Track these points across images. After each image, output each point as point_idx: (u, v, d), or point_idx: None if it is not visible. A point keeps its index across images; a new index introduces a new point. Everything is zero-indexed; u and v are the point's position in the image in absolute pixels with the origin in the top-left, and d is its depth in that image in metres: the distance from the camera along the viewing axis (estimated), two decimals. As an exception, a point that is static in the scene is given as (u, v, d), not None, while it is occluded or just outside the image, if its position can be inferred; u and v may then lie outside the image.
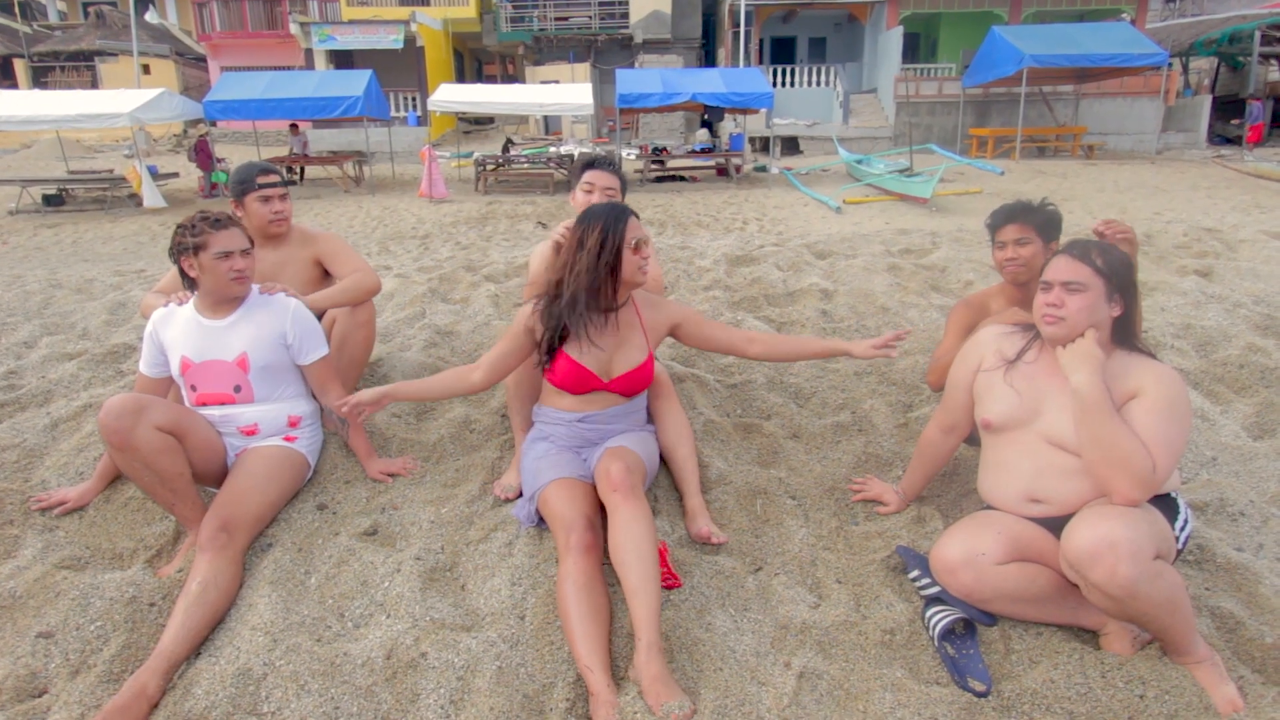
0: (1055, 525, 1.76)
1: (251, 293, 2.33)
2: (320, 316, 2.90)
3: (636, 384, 2.17)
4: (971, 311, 2.51)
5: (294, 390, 2.38)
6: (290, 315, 2.33)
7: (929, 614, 1.78)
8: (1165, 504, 1.75)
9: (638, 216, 2.11)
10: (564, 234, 2.29)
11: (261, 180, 2.72)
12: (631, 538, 1.75)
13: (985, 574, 1.71)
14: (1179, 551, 1.72)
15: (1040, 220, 2.31)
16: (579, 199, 2.66)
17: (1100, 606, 1.59)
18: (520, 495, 2.34)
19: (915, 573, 1.92)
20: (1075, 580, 1.59)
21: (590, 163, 2.72)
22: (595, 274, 2.03)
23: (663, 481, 2.39)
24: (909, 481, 2.26)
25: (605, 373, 2.14)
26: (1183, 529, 1.74)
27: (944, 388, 2.41)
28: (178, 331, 2.27)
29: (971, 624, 1.75)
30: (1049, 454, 1.80)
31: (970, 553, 1.73)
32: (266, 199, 2.72)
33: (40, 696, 1.63)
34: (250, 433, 2.26)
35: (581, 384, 2.12)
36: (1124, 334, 1.81)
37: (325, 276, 2.84)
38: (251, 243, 2.29)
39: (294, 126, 15.14)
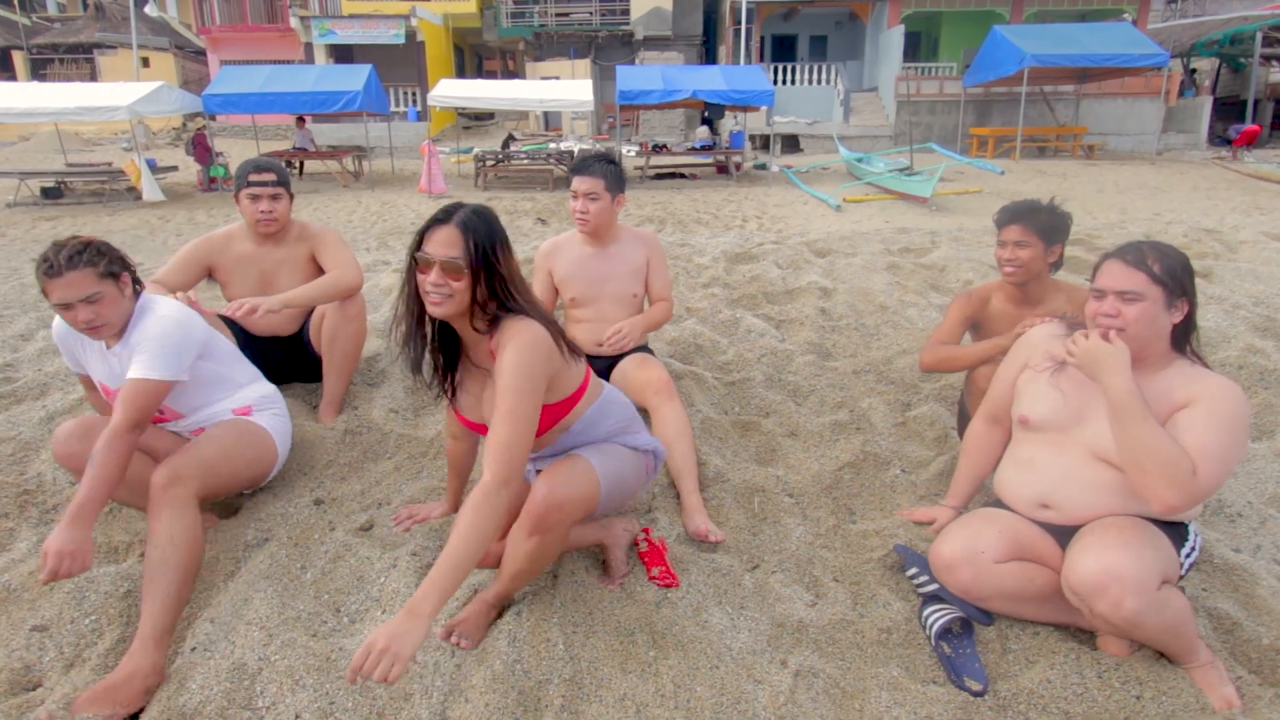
0: (1059, 531, 1.75)
1: (136, 312, 2.00)
2: (310, 312, 2.89)
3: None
4: (973, 304, 2.50)
5: (224, 391, 2.17)
6: (147, 332, 1.95)
7: (926, 613, 1.78)
8: (1175, 531, 1.69)
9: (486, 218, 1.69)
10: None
11: (252, 178, 2.67)
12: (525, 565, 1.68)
13: (984, 572, 1.70)
14: (1180, 576, 1.68)
15: (1043, 224, 2.29)
16: (569, 205, 2.66)
17: (1102, 630, 1.60)
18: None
19: (913, 571, 1.92)
20: (1077, 605, 1.57)
21: (574, 167, 2.68)
22: (409, 306, 1.67)
23: (660, 478, 2.39)
24: (957, 485, 2.14)
25: (485, 419, 1.75)
26: (1188, 556, 1.70)
27: (934, 368, 2.45)
28: (93, 358, 2.07)
29: (968, 623, 1.74)
30: (1084, 464, 1.72)
31: (970, 550, 1.72)
32: (255, 197, 2.67)
33: (35, 689, 1.63)
34: (200, 433, 2.13)
35: (476, 434, 1.86)
36: (1184, 340, 1.72)
37: (322, 271, 2.83)
38: (122, 274, 1.94)
39: (301, 120, 15.09)
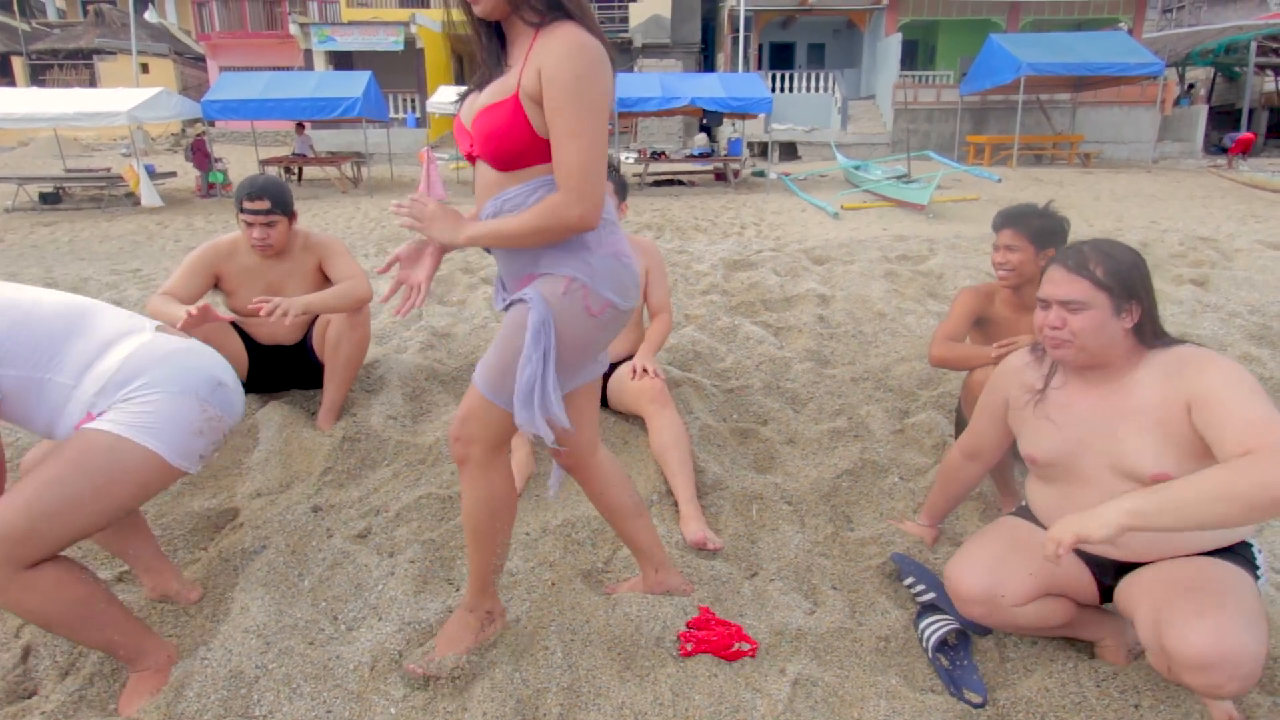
0: (1101, 564, 1.63)
1: None
2: (314, 320, 2.90)
3: (491, 134, 1.42)
4: (978, 299, 2.49)
5: (53, 397, 1.52)
6: None
7: (923, 624, 1.77)
8: (1241, 558, 1.53)
9: None
10: None
11: (246, 204, 2.65)
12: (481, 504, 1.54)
13: (1001, 613, 1.61)
14: None
15: (1034, 228, 2.30)
16: None
17: (1180, 684, 1.46)
18: (517, 499, 2.34)
19: (910, 579, 1.92)
20: (1162, 666, 1.42)
21: None
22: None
23: (659, 486, 2.39)
24: (931, 505, 2.13)
25: (468, 118, 1.51)
26: (1262, 581, 1.55)
27: (943, 362, 2.40)
28: None
29: (965, 634, 1.74)
30: (1119, 488, 1.54)
31: (990, 594, 1.60)
32: (249, 224, 2.67)
33: (30, 698, 1.62)
34: None
35: (460, 143, 1.58)
36: (1147, 335, 1.58)
37: (329, 283, 2.83)
38: None
39: (300, 126, 15.12)
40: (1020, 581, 1.60)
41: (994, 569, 1.62)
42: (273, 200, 2.66)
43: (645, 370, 2.59)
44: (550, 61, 1.36)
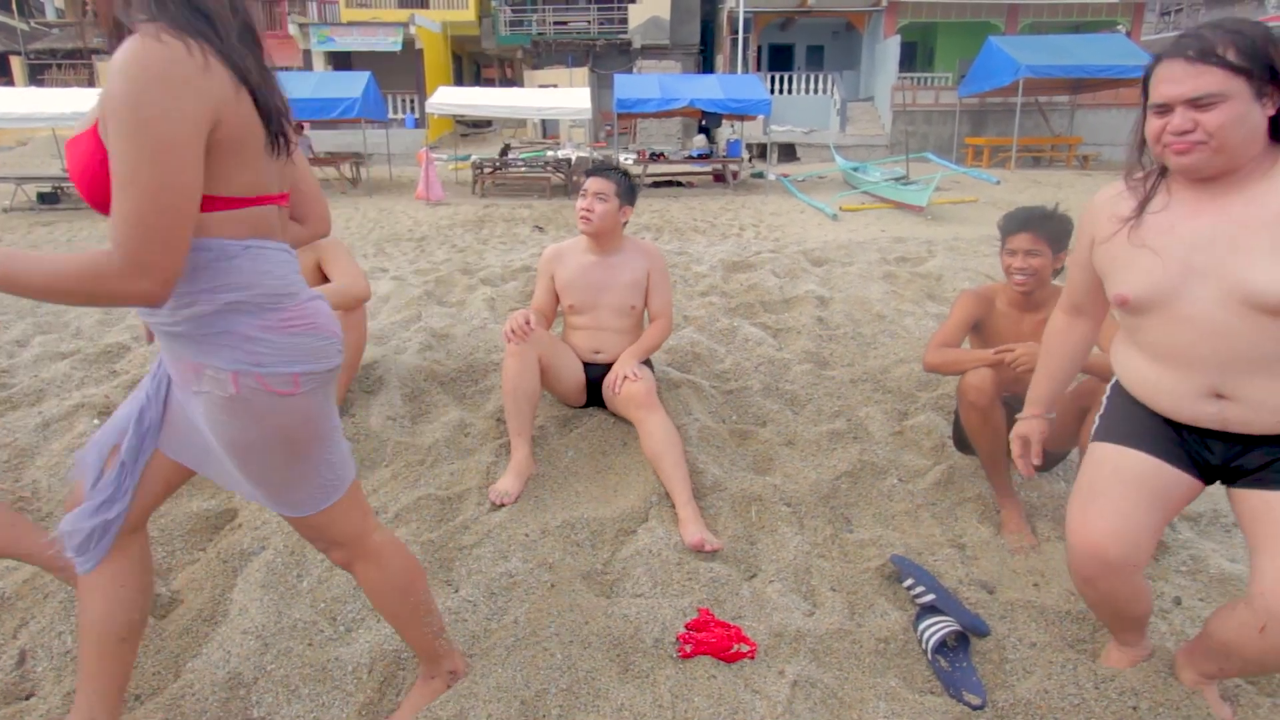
0: (1206, 447, 1.41)
1: None
2: None
3: (76, 172, 1.08)
4: (979, 303, 2.49)
5: None
6: None
7: (921, 626, 1.78)
8: None
9: None
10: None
11: None
12: None
13: (1118, 577, 1.45)
14: None
15: (1053, 231, 2.30)
16: (578, 203, 2.71)
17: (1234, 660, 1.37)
18: (516, 501, 2.34)
19: (909, 581, 1.92)
20: (1255, 624, 1.30)
21: (590, 170, 2.76)
22: None
23: (658, 488, 2.39)
24: (1037, 392, 1.76)
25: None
26: None
27: (938, 369, 2.37)
28: None
29: (964, 635, 1.74)
30: (1244, 325, 1.30)
31: (1126, 558, 1.41)
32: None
33: (28, 699, 1.62)
34: None
35: None
36: None
37: (327, 281, 2.84)
38: None
39: (299, 126, 15.10)
40: (1151, 537, 1.41)
41: (1128, 528, 1.42)
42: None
43: (626, 377, 2.57)
44: (108, 84, 1.00)
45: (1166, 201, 1.40)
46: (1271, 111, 1.29)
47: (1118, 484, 1.47)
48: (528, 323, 2.48)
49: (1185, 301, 1.36)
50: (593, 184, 2.66)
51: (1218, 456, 1.43)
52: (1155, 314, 1.41)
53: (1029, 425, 1.74)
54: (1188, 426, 1.44)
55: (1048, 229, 2.29)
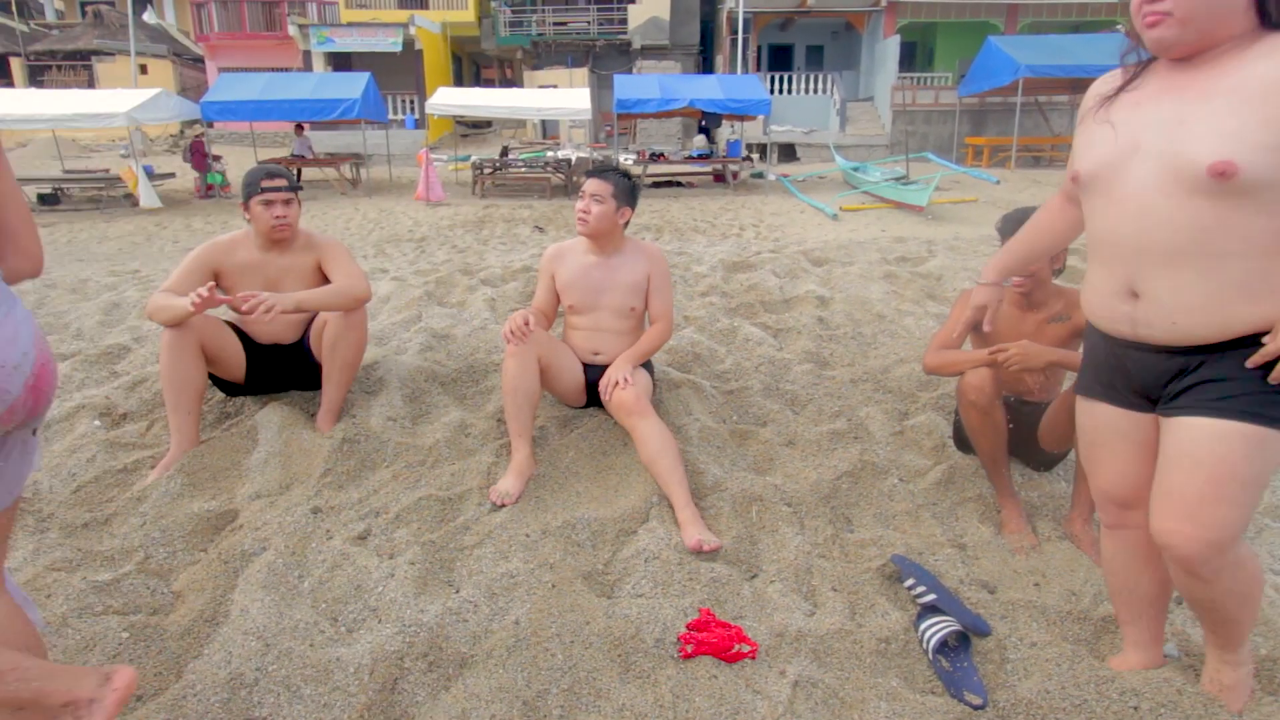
0: (1149, 364, 1.36)
1: None
2: (311, 320, 2.90)
3: None
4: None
5: None
6: None
7: (923, 626, 1.78)
8: None
9: None
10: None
11: (265, 184, 2.70)
12: None
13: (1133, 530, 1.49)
14: None
15: None
16: (576, 204, 2.71)
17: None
18: (517, 501, 2.34)
19: (910, 581, 1.92)
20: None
21: (590, 171, 2.76)
22: None
23: (658, 489, 2.39)
24: (998, 257, 1.72)
25: None
26: None
27: (937, 370, 2.35)
28: None
29: (965, 635, 1.75)
30: (1167, 204, 1.23)
31: (1138, 499, 1.45)
32: (269, 203, 2.70)
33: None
34: None
35: None
36: (1274, 9, 1.21)
37: (328, 283, 2.84)
38: None
39: (299, 127, 15.13)
40: (1146, 479, 1.43)
41: (1135, 471, 1.46)
42: (288, 180, 2.76)
43: (617, 383, 2.55)
44: None
45: (1143, 82, 1.35)
46: None
47: (1099, 442, 1.50)
48: (526, 323, 2.48)
49: (1123, 180, 1.31)
50: (590, 186, 2.66)
51: (1136, 380, 1.40)
52: (1100, 195, 1.36)
53: (987, 292, 1.70)
54: (1119, 343, 1.40)
55: None
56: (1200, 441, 1.27)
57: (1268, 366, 1.22)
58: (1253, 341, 1.24)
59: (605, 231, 2.67)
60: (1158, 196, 1.25)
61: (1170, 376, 1.35)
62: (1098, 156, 1.35)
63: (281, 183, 2.72)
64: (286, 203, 2.72)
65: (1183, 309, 1.27)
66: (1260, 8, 1.21)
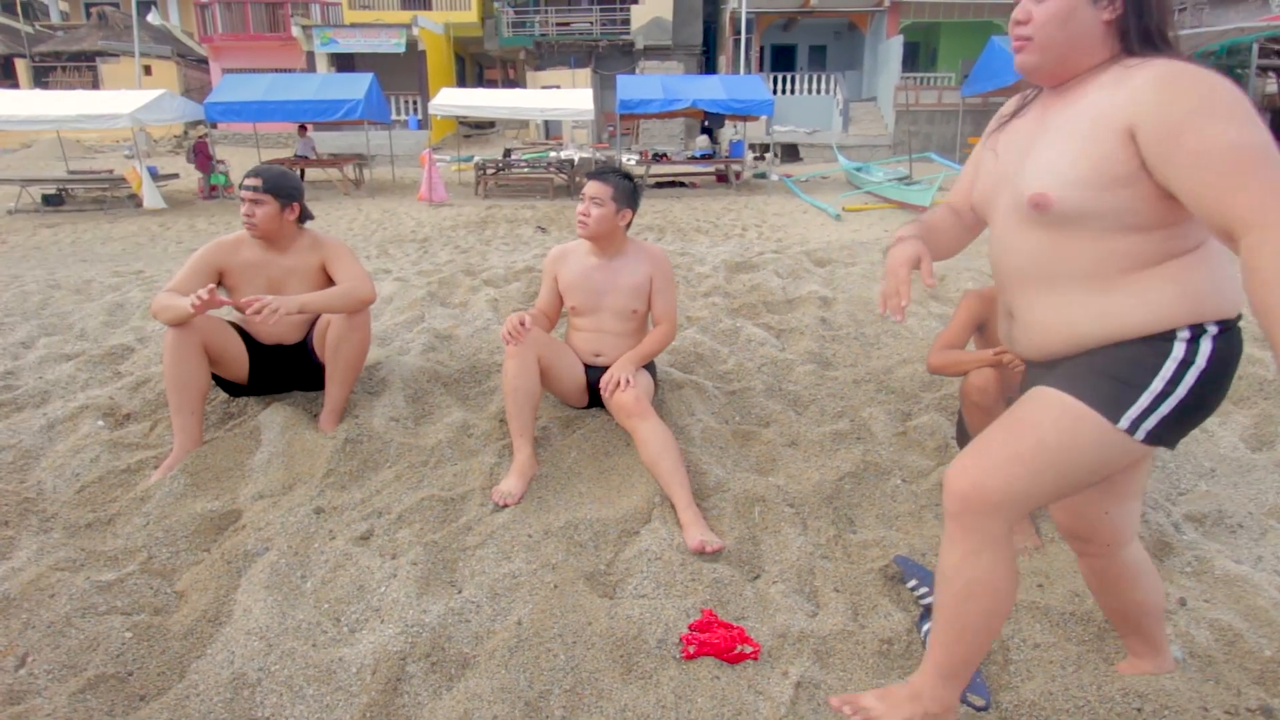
0: (1032, 374, 1.39)
1: None
2: (314, 321, 2.91)
3: None
4: (982, 303, 2.48)
5: None
6: None
7: (925, 627, 1.77)
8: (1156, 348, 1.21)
9: None
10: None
11: (244, 182, 2.76)
12: None
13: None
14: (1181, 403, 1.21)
15: None
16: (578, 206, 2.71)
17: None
18: (519, 501, 2.34)
19: (913, 582, 1.92)
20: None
21: (591, 173, 2.75)
22: None
23: (659, 490, 2.39)
24: (924, 215, 1.62)
25: None
26: (1179, 379, 1.21)
27: (940, 370, 2.36)
28: None
29: (969, 634, 1.74)
30: (1016, 233, 1.28)
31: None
32: (242, 200, 2.75)
33: (29, 700, 1.62)
34: None
35: None
36: (1132, 36, 1.21)
37: (332, 283, 2.84)
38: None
39: (302, 128, 15.16)
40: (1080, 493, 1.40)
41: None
42: (265, 181, 2.74)
43: (619, 383, 2.55)
44: None
45: (1030, 111, 1.35)
46: (1109, 16, 1.20)
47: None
48: (523, 324, 2.48)
49: (995, 208, 1.36)
50: (590, 188, 2.65)
51: None
52: (988, 221, 1.42)
53: (915, 245, 1.42)
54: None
55: None
56: (1024, 403, 1.29)
57: (1111, 356, 1.24)
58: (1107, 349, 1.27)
59: (605, 234, 2.67)
60: (1010, 224, 1.32)
61: None
62: (981, 186, 1.41)
63: (255, 182, 2.73)
64: (256, 201, 2.72)
65: (1038, 327, 1.33)
66: (1122, 35, 1.21)
